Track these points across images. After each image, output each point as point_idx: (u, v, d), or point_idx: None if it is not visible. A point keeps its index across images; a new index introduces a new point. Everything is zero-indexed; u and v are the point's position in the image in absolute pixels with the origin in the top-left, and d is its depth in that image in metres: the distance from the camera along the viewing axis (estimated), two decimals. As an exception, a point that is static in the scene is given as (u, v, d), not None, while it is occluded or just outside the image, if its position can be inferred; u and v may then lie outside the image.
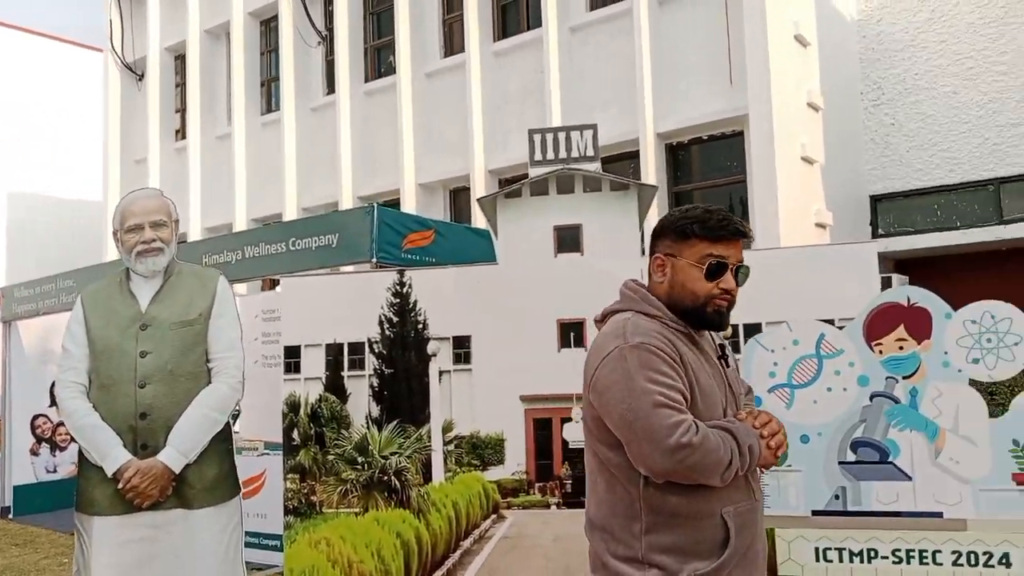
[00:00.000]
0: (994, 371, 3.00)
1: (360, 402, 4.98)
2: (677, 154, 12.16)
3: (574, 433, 4.84)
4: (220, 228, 16.39)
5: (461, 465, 4.92)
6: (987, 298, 11.76)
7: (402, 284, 4.88)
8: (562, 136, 4.80)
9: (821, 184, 11.67)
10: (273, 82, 16.75)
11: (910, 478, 2.99)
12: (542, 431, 4.89)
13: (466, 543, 4.96)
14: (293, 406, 5.03)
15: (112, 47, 19.03)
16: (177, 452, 2.92)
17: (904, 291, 3.19)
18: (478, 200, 5.13)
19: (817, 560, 2.91)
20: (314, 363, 4.98)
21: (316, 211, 14.87)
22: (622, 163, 12.46)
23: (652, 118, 11.45)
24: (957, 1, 12.93)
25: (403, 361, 4.92)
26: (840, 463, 3.03)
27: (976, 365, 3.01)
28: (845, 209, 12.65)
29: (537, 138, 4.81)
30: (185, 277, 3.18)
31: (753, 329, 3.58)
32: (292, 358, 5.03)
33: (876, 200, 13.63)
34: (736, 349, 3.52)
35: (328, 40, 15.58)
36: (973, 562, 2.78)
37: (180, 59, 18.40)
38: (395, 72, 14.24)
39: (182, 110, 18.31)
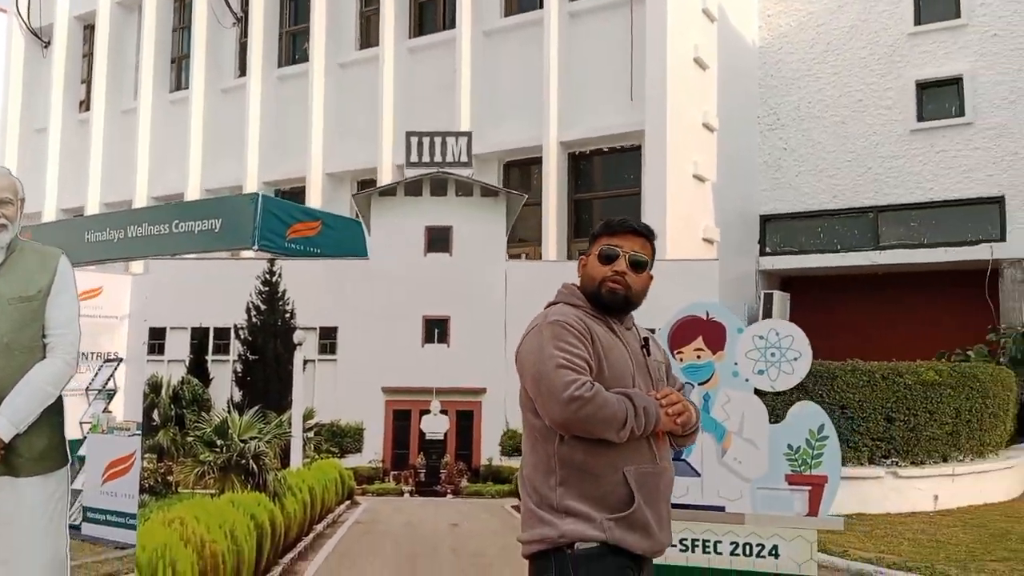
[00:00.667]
0: (776, 382, 3.35)
1: (223, 386, 5.05)
2: (579, 163, 12.53)
3: (431, 425, 5.05)
4: (119, 204, 15.96)
5: (319, 452, 5.05)
6: (863, 317, 12.56)
7: (272, 273, 4.99)
8: (438, 140, 5.01)
9: (711, 201, 12.22)
10: (184, 60, 16.43)
11: (699, 474, 3.31)
12: (401, 422, 5.06)
13: (319, 527, 5.10)
14: (155, 387, 5.06)
15: (17, 10, 18.30)
16: (8, 422, 3.00)
17: (704, 306, 3.51)
18: (353, 196, 5.30)
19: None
20: (178, 346, 5.03)
21: (220, 193, 14.69)
22: (527, 168, 12.78)
23: (556, 127, 11.78)
24: (851, 36, 13.73)
25: (268, 348, 5.02)
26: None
27: (761, 376, 3.36)
28: (735, 227, 13.26)
29: (414, 140, 5.00)
30: (27, 254, 3.24)
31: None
32: (158, 339, 5.07)
33: (765, 220, 14.35)
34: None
35: (243, 22, 15.39)
36: (748, 552, 3.11)
37: (89, 29, 17.84)
38: (308, 60, 14.19)
39: (88, 81, 17.75)
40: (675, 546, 3.18)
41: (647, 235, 2.44)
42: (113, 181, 16.43)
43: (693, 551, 3.18)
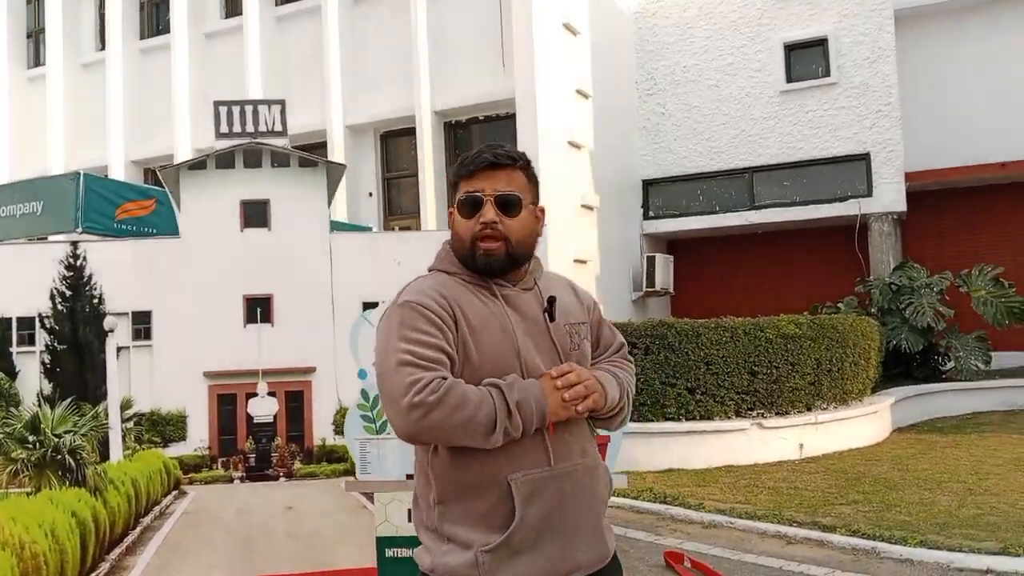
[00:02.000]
0: None
1: (31, 379, 4.76)
2: (456, 132, 12.36)
3: (259, 408, 4.88)
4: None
5: (141, 442, 4.84)
6: (743, 275, 12.88)
7: (75, 256, 4.71)
8: (249, 109, 4.78)
9: (589, 168, 12.25)
10: (40, 34, 15.45)
11: (489, 445, 3.26)
12: (226, 407, 4.89)
13: (146, 520, 4.90)
14: (-45, 384, 4.74)
15: None
16: None
17: None
18: (157, 169, 5.01)
19: (410, 521, 3.14)
20: (-22, 338, 4.72)
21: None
22: (404, 138, 12.54)
23: (429, 95, 11.57)
24: (721, 1, 13.90)
25: (77, 337, 4.75)
26: (432, 432, 3.26)
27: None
28: (617, 192, 13.36)
29: (223, 110, 4.77)
30: None
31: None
32: (-46, 333, 4.74)
33: (648, 184, 14.52)
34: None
35: (100, -8, 14.57)
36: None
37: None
38: (171, 31, 13.53)
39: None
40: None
41: (514, 162, 1.87)
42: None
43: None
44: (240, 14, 13.24)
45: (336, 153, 12.26)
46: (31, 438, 4.76)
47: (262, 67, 12.82)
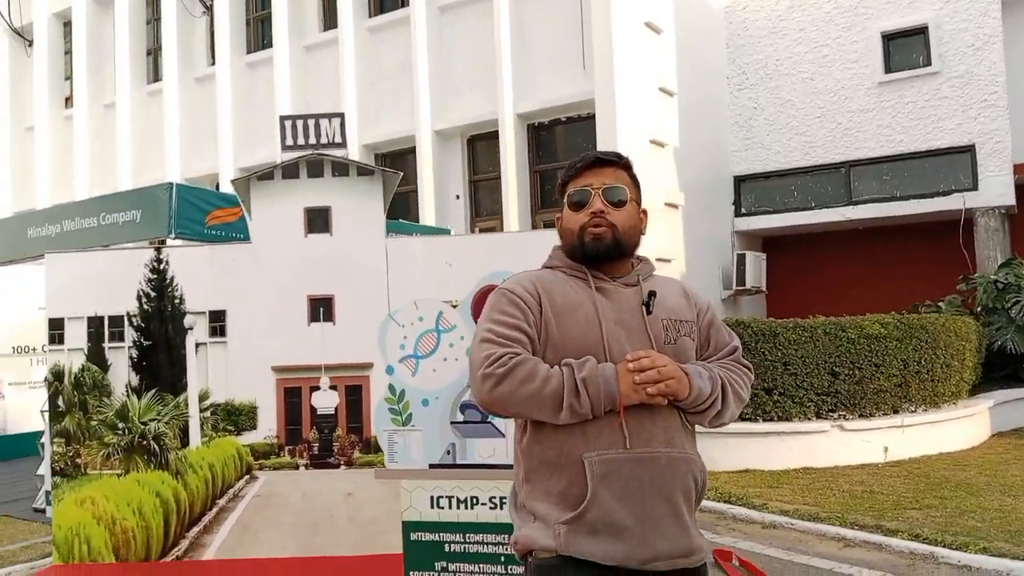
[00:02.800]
0: None
1: (120, 372, 5.25)
2: (539, 134, 12.55)
3: (322, 400, 5.21)
4: (105, 198, 16.32)
5: (216, 430, 5.24)
6: (840, 273, 12.83)
7: (159, 261, 5.16)
8: (311, 123, 5.11)
9: (674, 165, 12.18)
10: (159, 51, 16.62)
11: (503, 435, 3.43)
12: (292, 399, 5.23)
13: (221, 501, 5.30)
14: (58, 375, 5.28)
15: (-1, 11, 18.64)
16: None
17: (499, 274, 3.60)
18: (231, 182, 5.42)
19: (432, 507, 3.35)
20: (77, 335, 5.24)
21: (200, 182, 14.93)
22: (489, 141, 12.82)
23: (512, 99, 11.80)
24: (815, -10, 13.53)
25: (161, 334, 5.20)
26: (452, 423, 3.47)
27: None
28: (706, 189, 13.23)
29: (288, 124, 5.11)
30: None
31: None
32: (57, 330, 5.28)
33: (740, 180, 14.28)
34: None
35: (211, 10, 15.52)
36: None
37: (68, 25, 18.10)
38: (273, 45, 14.31)
39: (70, 78, 18.04)
40: (485, 504, 3.32)
41: (618, 160, 2.05)
42: (99, 174, 16.74)
43: (502, 508, 3.32)
44: (336, 27, 13.85)
45: (424, 158, 12.68)
46: (120, 425, 5.25)
47: (356, 76, 13.39)
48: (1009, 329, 10.77)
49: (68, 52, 18.30)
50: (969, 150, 12.32)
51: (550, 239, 4.93)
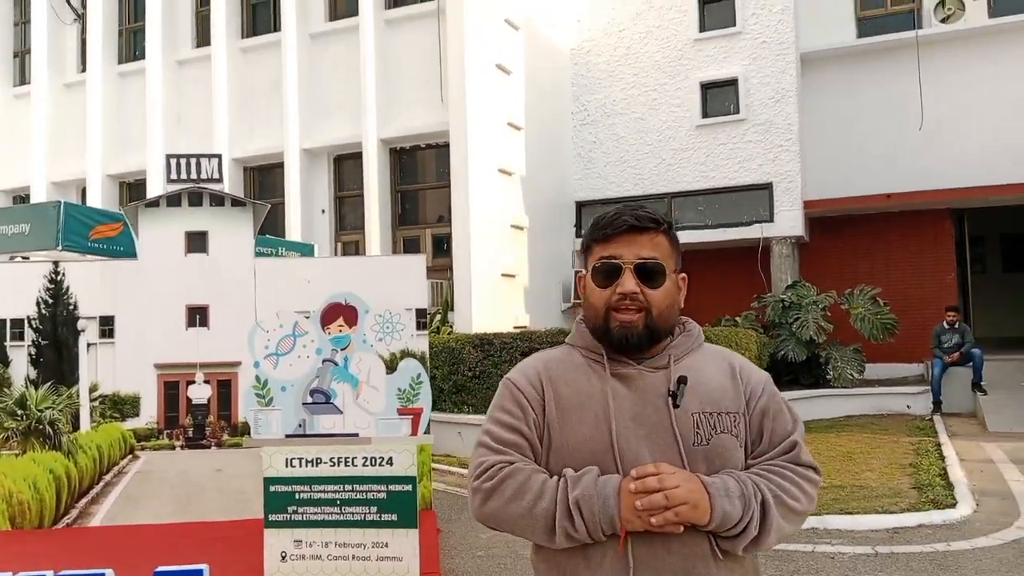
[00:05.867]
0: (390, 346, 4.77)
1: (20, 367, 6.16)
2: (400, 157, 13.80)
3: (196, 392, 6.30)
4: (-37, 197, 16.29)
5: (104, 417, 6.24)
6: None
7: (56, 272, 6.11)
8: (193, 161, 6.19)
9: (520, 191, 13.71)
10: (27, 54, 16.74)
11: (341, 412, 4.68)
12: (171, 391, 6.30)
13: (108, 477, 6.29)
14: (-39, 370, 6.13)
15: None
16: None
17: (343, 295, 4.87)
18: (122, 207, 6.42)
19: (286, 466, 4.53)
20: (-21, 335, 6.11)
21: (66, 186, 15.29)
22: (354, 160, 13.95)
23: (375, 125, 13.00)
24: (647, 41, 15.44)
25: (57, 335, 6.15)
26: (303, 403, 4.68)
27: (380, 342, 4.77)
28: (551, 212, 14.84)
29: (173, 161, 6.17)
30: None
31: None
32: (-38, 331, 6.12)
33: (581, 205, 16.01)
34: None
35: (83, 18, 15.86)
36: (375, 463, 4.50)
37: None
38: (146, 57, 14.88)
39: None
40: (326, 463, 4.55)
41: (657, 226, 1.68)
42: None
43: (337, 465, 4.55)
44: (209, 44, 14.60)
45: (292, 173, 13.67)
46: (19, 412, 6.16)
47: (228, 93, 14.20)
48: (791, 341, 12.88)
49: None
50: (767, 187, 14.50)
51: (401, 266, 6.18)
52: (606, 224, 1.67)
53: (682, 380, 1.61)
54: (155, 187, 14.47)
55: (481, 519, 1.64)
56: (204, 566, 3.32)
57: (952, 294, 14.39)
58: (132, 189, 15.64)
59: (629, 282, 1.62)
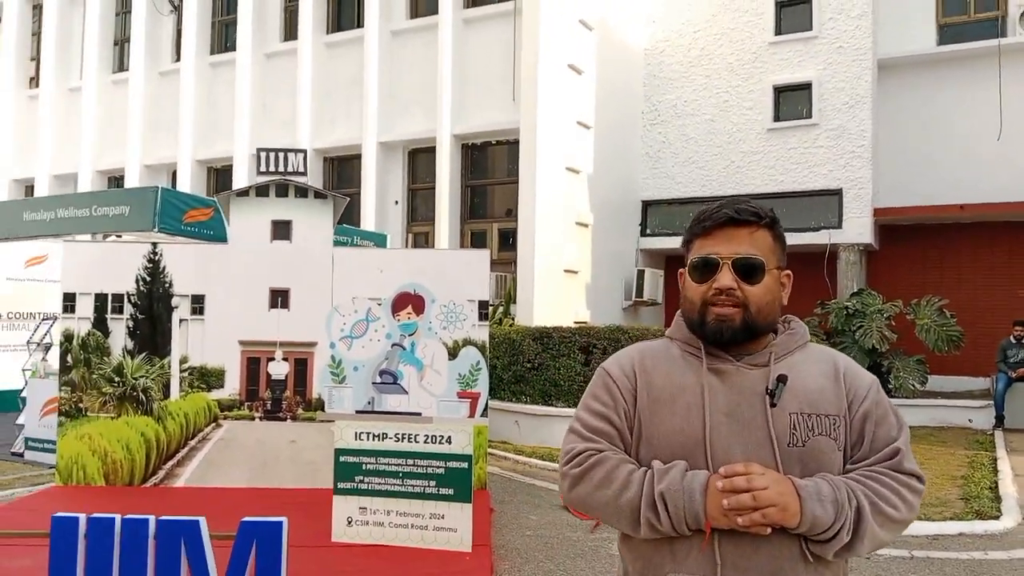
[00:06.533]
0: (453, 334, 5.16)
1: (118, 338, 6.78)
2: (472, 152, 14.24)
3: (275, 368, 6.82)
4: (67, 178, 17.39)
5: (192, 387, 6.82)
6: None
7: (155, 254, 6.70)
8: (281, 156, 6.69)
9: (587, 189, 13.99)
10: (126, 43, 17.74)
11: (407, 392, 5.09)
12: (252, 366, 6.83)
13: (193, 442, 6.87)
14: (68, 338, 6.78)
15: (-33, -12, 19.41)
16: None
17: (412, 285, 5.28)
18: (215, 196, 6.97)
19: (355, 439, 4.95)
20: (85, 307, 6.75)
21: (158, 170, 16.20)
22: (428, 154, 14.44)
23: (449, 121, 13.46)
24: (721, 43, 15.51)
25: (152, 310, 6.75)
26: (373, 383, 5.10)
27: (444, 330, 5.16)
28: (617, 211, 15.08)
29: (262, 155, 6.68)
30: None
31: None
32: (70, 302, 6.77)
33: (647, 204, 16.19)
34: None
35: (179, 10, 16.75)
36: (434, 441, 4.89)
37: (38, 9, 19.02)
38: (237, 48, 15.65)
39: (37, 59, 18.98)
40: (392, 438, 4.97)
41: (759, 220, 1.67)
42: (62, 155, 17.79)
43: (404, 441, 4.97)
44: (296, 39, 15.28)
45: (369, 165, 14.24)
46: (116, 379, 6.78)
47: (312, 86, 14.85)
48: (852, 349, 12.85)
49: (35, 34, 19.21)
50: (837, 193, 14.45)
51: (466, 260, 6.58)
52: (706, 218, 1.67)
53: (781, 379, 1.58)
54: (240, 173, 15.26)
55: (569, 503, 1.65)
56: (284, 518, 3.76)
57: (1022, 309, 14.10)
58: (219, 174, 16.48)
59: (726, 277, 1.61)
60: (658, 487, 1.51)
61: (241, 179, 15.17)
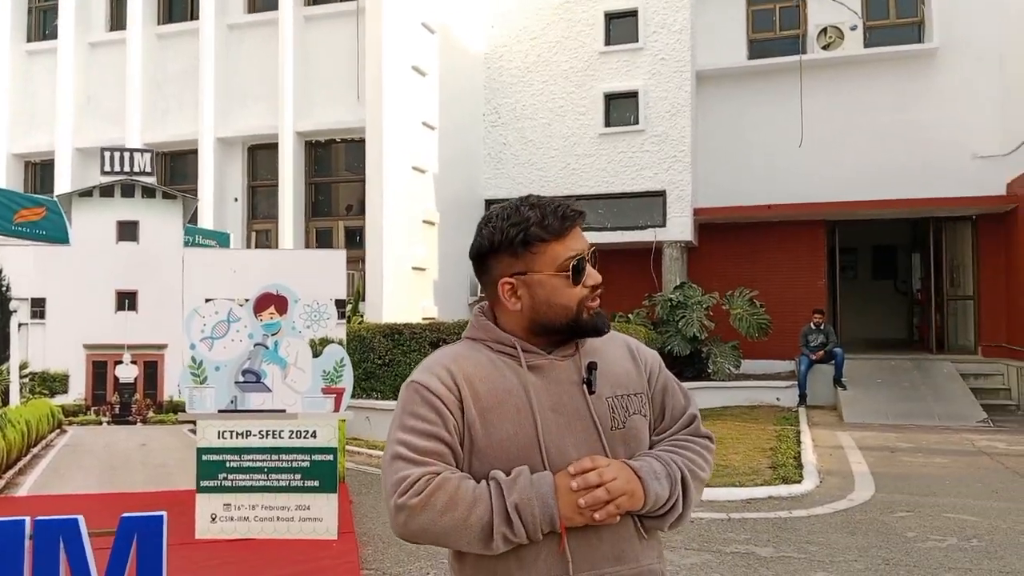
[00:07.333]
0: (316, 333, 5.40)
1: (-51, 344, 6.43)
2: (316, 150, 14.22)
3: (124, 372, 6.72)
4: None
5: (33, 393, 6.59)
6: None
7: (-10, 256, 6.42)
8: (127, 155, 6.59)
9: (433, 189, 14.34)
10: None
11: (270, 390, 5.27)
12: (99, 370, 6.70)
13: (35, 450, 6.65)
14: None
15: None
16: None
17: (275, 285, 5.46)
18: (56, 196, 6.76)
19: (218, 437, 5.07)
20: (-90, 313, 6.36)
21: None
22: (268, 151, 14.26)
23: (292, 117, 13.38)
24: (556, 51, 16.30)
25: (-12, 314, 6.46)
26: (236, 382, 5.24)
27: (308, 329, 5.39)
28: (461, 209, 15.49)
29: (107, 155, 6.55)
30: None
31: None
32: None
33: (489, 203, 16.73)
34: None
35: (-11, -7, 15.55)
36: (300, 436, 5.11)
37: None
38: (58, 37, 14.76)
39: None
40: (256, 435, 5.12)
41: (583, 214, 1.71)
42: None
43: (268, 437, 5.14)
44: (124, 28, 14.61)
45: (206, 161, 13.89)
46: (-53, 387, 6.44)
47: (142, 78, 14.27)
48: (677, 337, 13.98)
49: None
50: (662, 195, 15.59)
51: (322, 259, 6.74)
52: (559, 221, 1.62)
53: (592, 366, 1.61)
54: (64, 168, 14.42)
55: (407, 536, 1.54)
56: (163, 512, 3.88)
57: (822, 298, 15.84)
58: (39, 169, 15.48)
59: (596, 274, 1.64)
60: (510, 499, 1.48)
61: (64, 174, 14.36)
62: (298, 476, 5.15)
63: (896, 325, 19.84)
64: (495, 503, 1.48)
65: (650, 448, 1.68)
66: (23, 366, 6.56)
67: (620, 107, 16.02)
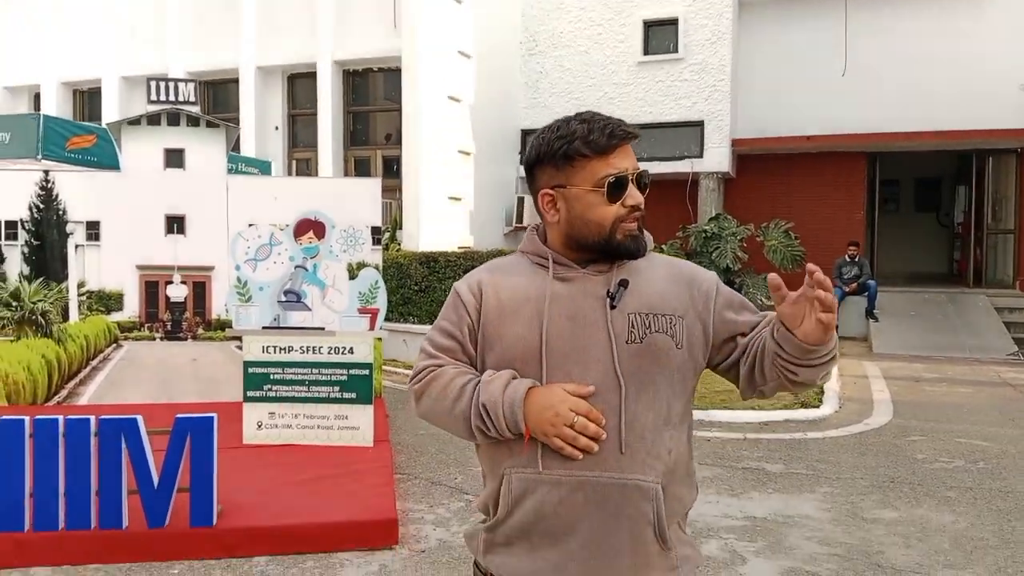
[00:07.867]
0: (352, 257, 5.72)
1: (14, 264, 6.90)
2: (353, 79, 14.37)
3: (174, 291, 7.14)
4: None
5: (91, 310, 7.05)
6: None
7: (47, 180, 6.81)
8: (172, 85, 6.87)
9: (469, 119, 14.44)
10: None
11: (310, 309, 5.62)
12: (151, 290, 7.13)
13: (94, 362, 7.15)
14: (-40, 264, 6.85)
15: None
16: None
17: (313, 211, 5.75)
18: (106, 124, 7.08)
19: (263, 352, 5.46)
20: (-23, 234, 6.82)
21: (18, 92, 15.48)
22: (308, 80, 14.46)
23: (330, 47, 13.51)
24: (595, -25, 16.07)
25: (48, 236, 6.89)
26: (278, 301, 5.60)
27: (345, 253, 5.71)
28: (497, 139, 15.60)
29: (153, 84, 6.84)
30: None
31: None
32: (-40, 229, 6.81)
33: (526, 133, 16.78)
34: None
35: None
36: (338, 352, 5.47)
37: None
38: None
39: None
40: (297, 351, 5.49)
41: (636, 136, 1.68)
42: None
43: (308, 352, 5.51)
44: (165, -44, 14.76)
45: (247, 90, 14.14)
46: (14, 303, 6.93)
47: (180, 7, 14.46)
48: (710, 268, 14.07)
49: None
50: (699, 125, 15.50)
51: (357, 187, 7.04)
52: (603, 137, 1.60)
53: (623, 283, 1.63)
54: (110, 96, 14.79)
55: (419, 416, 1.75)
56: (214, 413, 4.28)
57: (860, 231, 15.76)
58: (87, 97, 15.89)
59: (637, 194, 1.64)
60: (481, 398, 1.57)
61: (111, 102, 14.74)
62: (336, 388, 5.52)
63: (937, 259, 19.65)
64: (473, 400, 1.59)
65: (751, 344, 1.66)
66: (80, 285, 7.01)
67: (659, 35, 15.81)
